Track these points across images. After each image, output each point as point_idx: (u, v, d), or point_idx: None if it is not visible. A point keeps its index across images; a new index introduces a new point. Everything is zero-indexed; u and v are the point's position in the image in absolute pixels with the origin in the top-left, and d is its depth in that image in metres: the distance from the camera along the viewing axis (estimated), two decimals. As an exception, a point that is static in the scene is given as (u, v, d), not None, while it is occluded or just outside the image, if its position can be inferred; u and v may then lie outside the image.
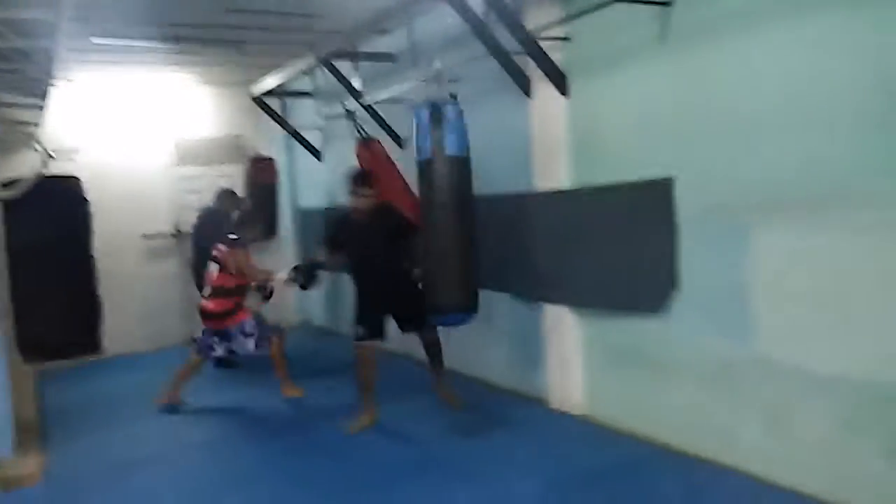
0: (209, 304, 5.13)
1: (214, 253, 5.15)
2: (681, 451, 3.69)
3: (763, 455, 3.32)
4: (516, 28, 4.11)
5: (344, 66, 5.83)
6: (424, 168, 3.82)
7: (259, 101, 7.13)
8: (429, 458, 4.01)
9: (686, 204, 3.57)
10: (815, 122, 2.97)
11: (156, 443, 4.62)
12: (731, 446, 3.47)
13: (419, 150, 3.82)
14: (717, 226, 3.43)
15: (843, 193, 2.91)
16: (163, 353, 7.04)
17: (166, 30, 5.36)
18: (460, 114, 3.80)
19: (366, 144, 5.54)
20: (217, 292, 5.10)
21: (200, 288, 5.74)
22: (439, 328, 4.56)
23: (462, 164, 3.83)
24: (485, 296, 4.25)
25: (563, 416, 4.43)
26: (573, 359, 4.43)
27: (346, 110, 5.73)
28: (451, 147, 3.75)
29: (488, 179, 4.58)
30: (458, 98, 3.90)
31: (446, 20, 4.60)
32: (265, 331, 5.18)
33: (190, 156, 7.80)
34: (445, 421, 4.55)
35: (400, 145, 5.94)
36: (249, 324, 5.12)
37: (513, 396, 4.88)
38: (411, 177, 4.40)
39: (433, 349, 4.69)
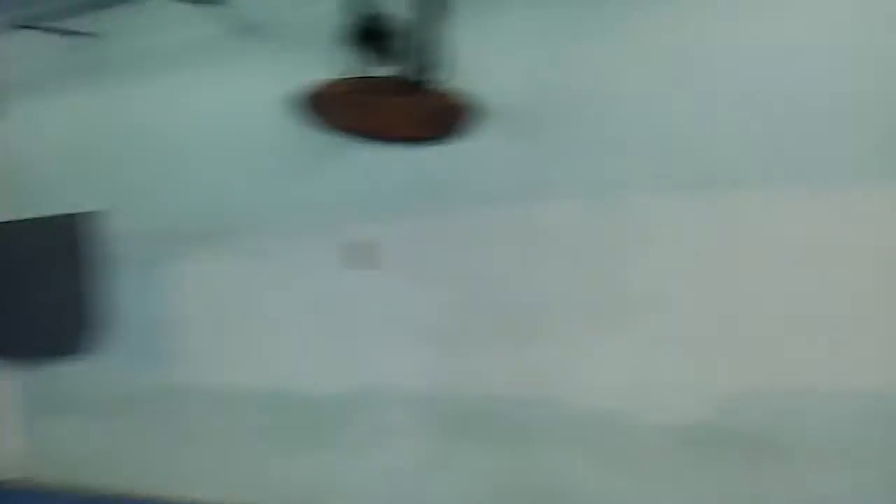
0: None
1: None
2: (123, 493, 3.62)
3: (182, 476, 3.48)
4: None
5: None
6: None
7: None
8: None
9: (120, 236, 3.56)
10: (227, 157, 3.27)
11: None
12: (160, 474, 3.55)
13: None
14: (148, 258, 3.50)
15: (247, 224, 3.25)
16: None
17: None
18: None
19: None
20: None
21: None
22: None
23: None
24: None
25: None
26: (8, 419, 3.95)
27: None
28: None
29: None
30: None
31: None
32: None
33: None
34: None
35: None
36: None
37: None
38: None
39: None
